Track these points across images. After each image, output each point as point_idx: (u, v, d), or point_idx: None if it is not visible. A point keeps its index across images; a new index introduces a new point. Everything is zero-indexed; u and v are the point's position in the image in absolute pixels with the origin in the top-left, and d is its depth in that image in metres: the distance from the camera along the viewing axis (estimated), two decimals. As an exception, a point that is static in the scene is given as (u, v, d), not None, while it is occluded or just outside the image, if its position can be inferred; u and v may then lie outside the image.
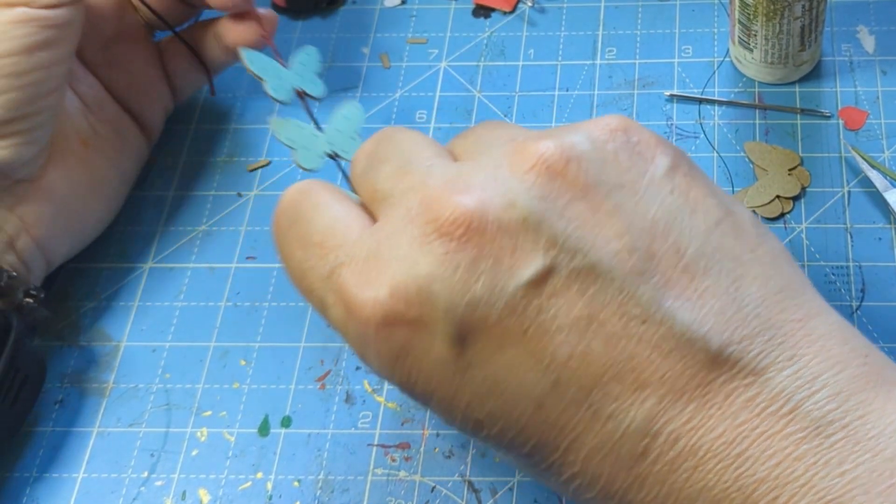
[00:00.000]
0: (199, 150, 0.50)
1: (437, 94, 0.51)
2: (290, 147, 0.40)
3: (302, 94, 0.42)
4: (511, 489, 0.39)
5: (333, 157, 0.40)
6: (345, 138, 0.40)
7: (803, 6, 0.45)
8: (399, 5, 0.55)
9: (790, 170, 0.46)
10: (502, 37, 0.53)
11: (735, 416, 0.25)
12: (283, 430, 0.41)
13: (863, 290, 0.43)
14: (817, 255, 0.44)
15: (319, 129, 0.40)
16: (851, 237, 0.44)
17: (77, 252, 0.45)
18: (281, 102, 0.42)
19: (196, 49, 0.47)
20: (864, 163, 0.45)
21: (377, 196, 0.30)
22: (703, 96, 0.50)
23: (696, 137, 0.48)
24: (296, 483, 0.40)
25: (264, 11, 0.45)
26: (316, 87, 0.43)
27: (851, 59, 0.50)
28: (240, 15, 0.45)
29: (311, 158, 0.39)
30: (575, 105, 0.50)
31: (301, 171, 0.40)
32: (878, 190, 0.45)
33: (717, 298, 0.26)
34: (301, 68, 0.42)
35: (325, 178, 0.34)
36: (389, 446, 0.41)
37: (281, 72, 0.42)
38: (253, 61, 0.42)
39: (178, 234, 0.47)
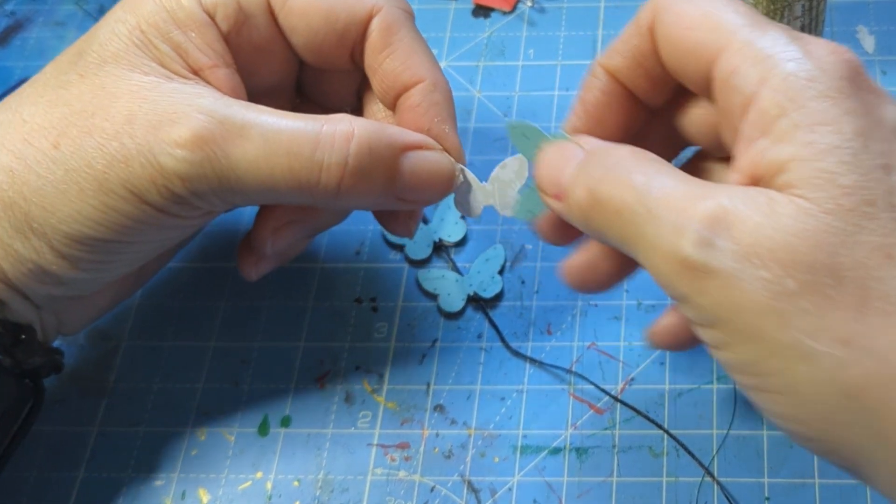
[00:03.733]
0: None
1: (437, 94, 0.51)
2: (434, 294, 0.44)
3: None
4: (510, 489, 0.39)
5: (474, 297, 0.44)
6: (484, 278, 0.44)
7: (803, 6, 0.45)
8: (399, 5, 0.55)
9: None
10: (502, 37, 0.53)
11: None
12: (283, 430, 0.41)
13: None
14: (817, 255, 0.44)
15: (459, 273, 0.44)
16: (851, 237, 0.44)
17: None
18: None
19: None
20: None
21: None
22: (703, 96, 0.50)
23: (695, 137, 0.48)
24: (295, 483, 0.40)
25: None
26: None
27: (851, 59, 0.50)
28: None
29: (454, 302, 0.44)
30: (575, 105, 0.50)
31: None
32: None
33: None
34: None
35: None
36: (389, 446, 0.41)
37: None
38: None
39: (178, 234, 0.47)
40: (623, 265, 0.34)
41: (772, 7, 0.45)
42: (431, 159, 0.36)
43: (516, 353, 0.43)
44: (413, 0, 0.55)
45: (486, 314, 0.44)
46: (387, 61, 0.37)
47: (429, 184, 0.36)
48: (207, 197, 0.34)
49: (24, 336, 0.37)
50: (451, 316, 0.44)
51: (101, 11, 0.56)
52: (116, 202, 0.34)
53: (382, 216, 0.39)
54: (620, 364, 0.42)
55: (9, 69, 0.54)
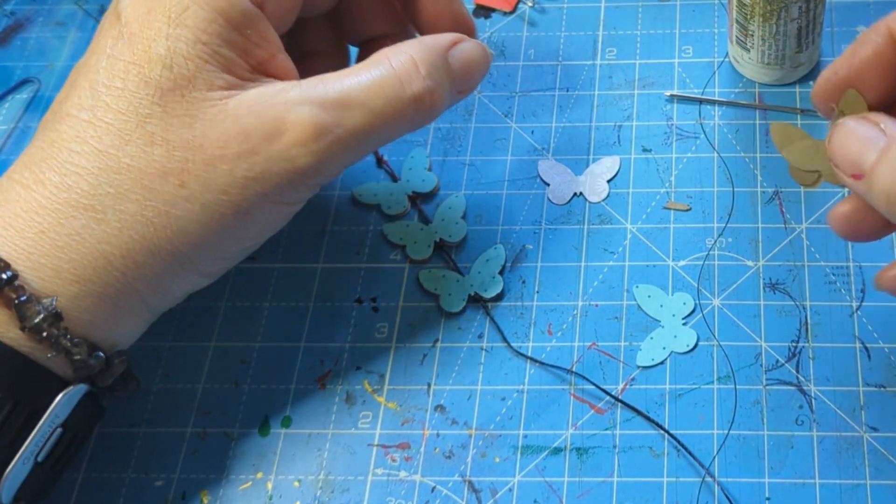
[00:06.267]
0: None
1: (438, 94, 0.51)
2: (435, 293, 0.44)
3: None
4: (511, 490, 0.39)
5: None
6: (485, 278, 0.44)
7: (800, 8, 0.45)
8: (399, 5, 0.55)
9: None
10: (503, 37, 0.53)
11: None
12: (284, 430, 0.41)
13: (863, 291, 0.43)
14: (817, 256, 0.44)
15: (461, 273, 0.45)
16: (851, 237, 0.44)
17: None
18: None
19: None
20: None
21: None
22: (704, 96, 0.50)
23: (696, 138, 0.48)
24: (296, 483, 0.40)
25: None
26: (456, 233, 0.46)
27: (851, 60, 0.50)
28: None
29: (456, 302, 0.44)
30: (575, 105, 0.50)
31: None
32: (878, 190, 0.45)
33: None
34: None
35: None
36: (389, 446, 0.41)
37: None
38: None
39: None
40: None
41: (768, 8, 0.45)
42: (469, 49, 0.40)
43: (517, 353, 0.43)
44: (413, 0, 0.55)
45: (487, 314, 0.44)
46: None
47: (476, 69, 0.41)
48: (336, 173, 0.38)
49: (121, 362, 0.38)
50: (452, 316, 0.44)
51: (102, 11, 0.56)
52: (258, 215, 0.37)
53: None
54: (621, 364, 0.42)
55: (9, 69, 0.54)
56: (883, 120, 0.32)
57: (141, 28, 0.35)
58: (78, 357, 0.35)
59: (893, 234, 0.44)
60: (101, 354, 0.36)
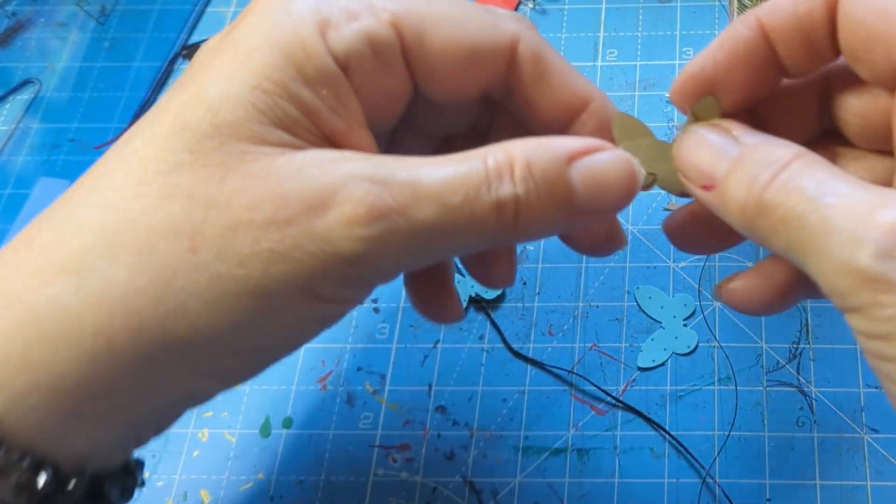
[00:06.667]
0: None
1: (439, 95, 0.51)
2: None
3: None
4: (512, 491, 0.39)
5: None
6: None
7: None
8: (400, 6, 0.55)
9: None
10: (503, 38, 0.53)
11: None
12: (285, 431, 0.41)
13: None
14: (818, 257, 0.44)
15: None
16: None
17: None
18: None
19: None
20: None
21: None
22: (704, 98, 0.50)
23: (696, 139, 0.48)
24: (297, 484, 0.40)
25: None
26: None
27: (852, 61, 0.50)
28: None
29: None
30: (576, 106, 0.50)
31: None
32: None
33: None
34: None
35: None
36: (391, 447, 0.41)
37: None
38: None
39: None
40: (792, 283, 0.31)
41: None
42: (604, 160, 0.30)
43: (518, 355, 0.43)
44: (414, 1, 0.55)
45: (488, 315, 0.44)
46: (548, 89, 0.33)
47: (610, 187, 0.30)
48: (389, 271, 0.29)
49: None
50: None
51: (102, 12, 0.56)
52: (281, 306, 0.28)
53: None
54: (622, 365, 0.42)
55: (10, 70, 0.54)
56: (736, 127, 0.30)
57: (202, 68, 0.29)
58: (17, 480, 0.27)
59: None
60: (51, 471, 0.27)
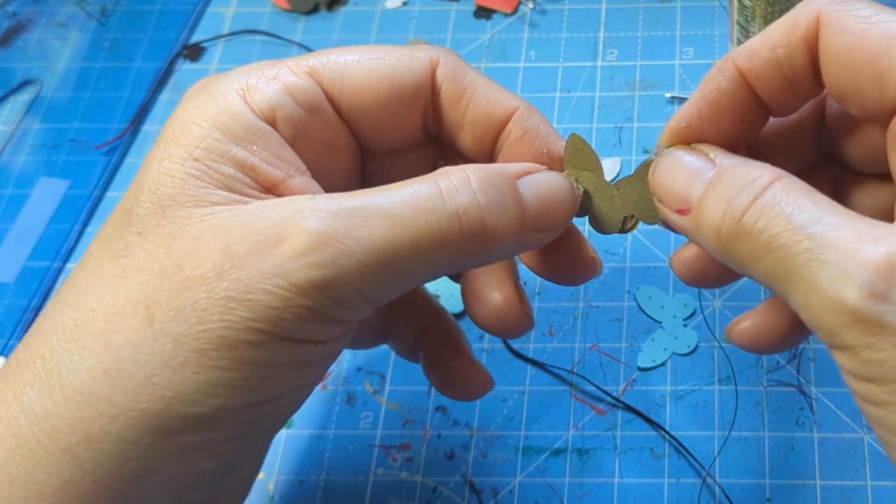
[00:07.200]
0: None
1: (439, 95, 0.51)
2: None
3: None
4: (512, 491, 0.39)
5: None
6: None
7: (804, 8, 0.45)
8: (400, 7, 0.55)
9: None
10: (503, 38, 0.53)
11: None
12: (285, 431, 0.41)
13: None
14: (818, 257, 0.44)
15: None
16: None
17: None
18: None
19: None
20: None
21: None
22: (704, 98, 0.50)
23: (696, 139, 0.48)
24: (298, 484, 0.40)
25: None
26: None
27: (852, 62, 0.50)
28: None
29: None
30: (576, 107, 0.50)
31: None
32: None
33: None
34: None
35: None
36: (391, 447, 0.41)
37: None
38: None
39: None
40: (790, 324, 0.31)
41: (769, 10, 0.45)
42: (545, 178, 0.32)
43: (518, 355, 0.43)
44: (414, 2, 0.55)
45: (488, 315, 0.44)
46: (471, 107, 0.34)
47: (554, 204, 0.32)
48: (351, 300, 0.28)
49: None
50: (453, 317, 0.44)
51: (103, 12, 0.56)
52: (248, 352, 0.27)
53: (554, 271, 0.35)
54: (622, 365, 0.42)
55: (10, 70, 0.54)
56: (712, 150, 0.29)
57: (143, 163, 0.31)
58: None
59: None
60: None
